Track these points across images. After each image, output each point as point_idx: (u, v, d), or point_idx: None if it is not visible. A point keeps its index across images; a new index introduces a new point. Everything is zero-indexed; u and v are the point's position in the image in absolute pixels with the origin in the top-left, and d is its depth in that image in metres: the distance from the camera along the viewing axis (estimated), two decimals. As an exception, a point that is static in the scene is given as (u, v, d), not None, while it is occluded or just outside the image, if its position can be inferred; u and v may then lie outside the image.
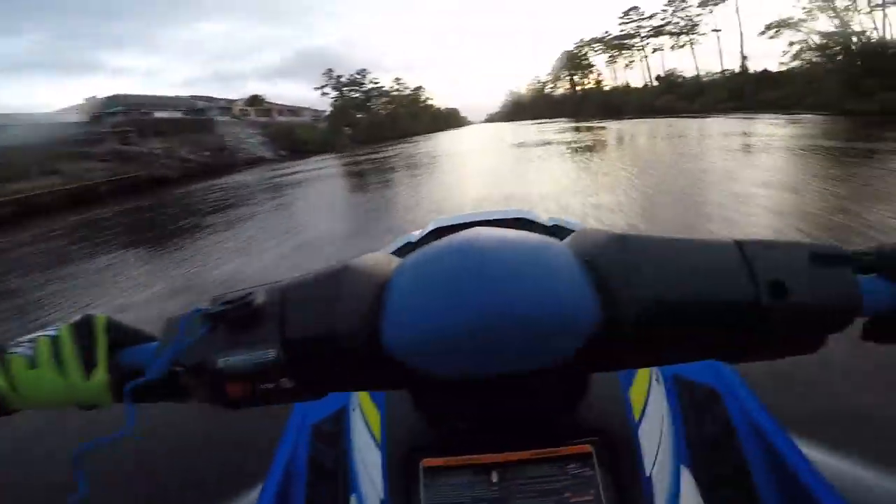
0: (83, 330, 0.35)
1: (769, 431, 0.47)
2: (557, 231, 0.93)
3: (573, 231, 0.38)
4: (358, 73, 50.00)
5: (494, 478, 0.34)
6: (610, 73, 62.97)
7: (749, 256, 0.30)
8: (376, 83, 51.49)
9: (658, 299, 0.29)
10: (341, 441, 0.51)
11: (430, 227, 1.06)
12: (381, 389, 0.44)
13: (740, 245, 0.31)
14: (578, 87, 63.78)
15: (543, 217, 1.10)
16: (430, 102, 72.40)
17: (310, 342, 0.30)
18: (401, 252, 0.94)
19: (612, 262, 0.30)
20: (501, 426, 0.36)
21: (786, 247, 0.31)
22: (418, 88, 66.59)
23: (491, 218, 1.00)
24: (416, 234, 1.09)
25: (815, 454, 0.49)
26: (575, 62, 63.47)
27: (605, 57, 58.93)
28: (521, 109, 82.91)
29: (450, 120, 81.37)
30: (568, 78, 66.68)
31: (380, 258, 0.35)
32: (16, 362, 0.33)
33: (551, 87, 74.60)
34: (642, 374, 0.47)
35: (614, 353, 0.31)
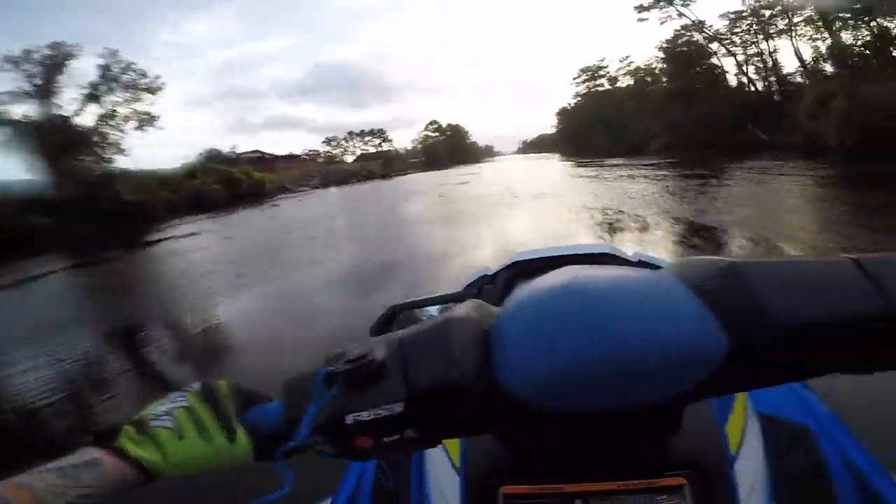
0: (210, 397, 0.37)
1: (864, 469, 0.46)
2: (645, 266, 0.77)
3: (660, 266, 0.37)
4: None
5: None
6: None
7: (869, 271, 0.30)
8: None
9: (785, 321, 0.28)
10: (413, 466, 0.50)
11: (509, 262, 1.01)
12: (497, 431, 0.40)
13: (856, 262, 0.30)
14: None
15: (628, 252, 1.06)
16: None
17: (432, 392, 0.31)
18: (477, 284, 0.97)
19: (729, 288, 0.30)
20: (587, 454, 0.35)
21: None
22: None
23: (575, 253, 0.98)
24: (493, 267, 1.04)
25: None
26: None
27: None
28: (597, 128, 40.07)
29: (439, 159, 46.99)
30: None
31: (478, 304, 0.36)
32: (164, 435, 0.34)
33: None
34: (738, 408, 0.45)
35: (737, 378, 0.30)
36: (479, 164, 51.95)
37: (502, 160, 70.22)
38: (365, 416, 0.31)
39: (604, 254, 0.98)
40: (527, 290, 0.33)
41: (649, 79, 35.56)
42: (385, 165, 50.44)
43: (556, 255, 0.97)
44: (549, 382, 0.29)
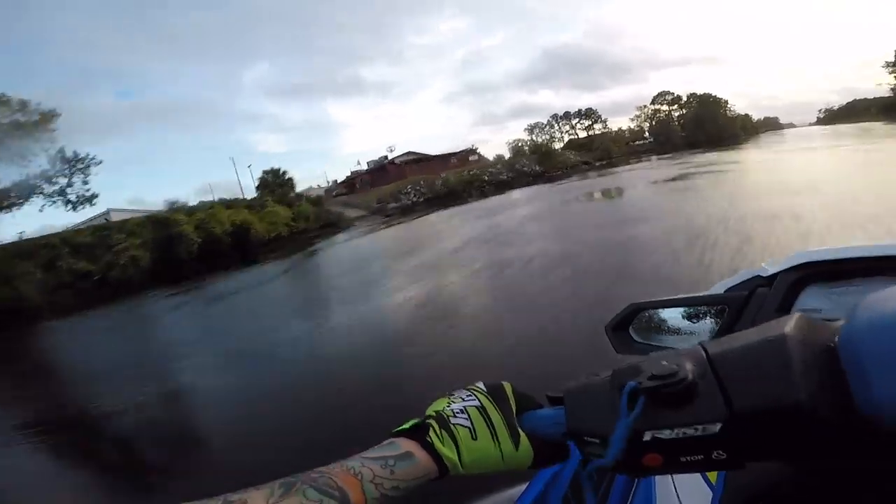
0: (498, 398, 0.37)
1: None
2: None
3: None
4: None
5: None
6: None
7: None
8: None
9: None
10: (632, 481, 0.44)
11: (794, 262, 0.81)
12: (829, 458, 0.32)
13: None
14: None
15: None
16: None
17: (764, 415, 0.28)
18: (746, 286, 0.78)
19: None
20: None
21: None
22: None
23: (885, 254, 0.71)
24: (768, 268, 0.84)
25: None
26: None
27: None
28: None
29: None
30: None
31: (802, 318, 0.31)
32: (462, 434, 0.35)
33: None
34: None
35: None
36: (737, 150, 32.67)
37: (787, 137, 46.30)
38: (667, 434, 0.29)
39: None
40: (891, 300, 0.27)
41: None
42: (543, 157, 40.89)
43: (870, 255, 0.69)
44: None
